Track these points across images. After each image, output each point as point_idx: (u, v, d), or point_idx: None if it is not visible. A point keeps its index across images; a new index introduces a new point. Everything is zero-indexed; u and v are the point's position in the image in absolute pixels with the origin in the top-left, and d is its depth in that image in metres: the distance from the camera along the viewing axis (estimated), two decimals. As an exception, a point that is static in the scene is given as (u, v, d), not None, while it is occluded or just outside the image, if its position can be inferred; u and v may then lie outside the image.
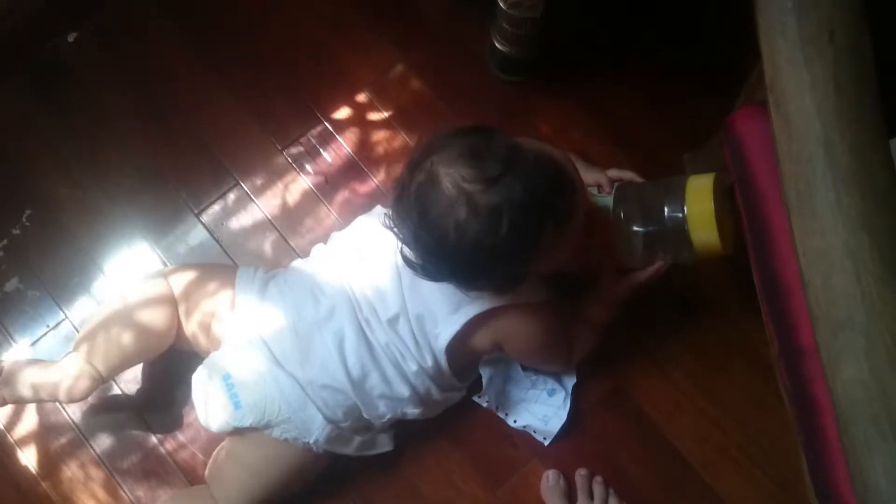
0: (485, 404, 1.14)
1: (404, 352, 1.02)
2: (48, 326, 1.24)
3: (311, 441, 1.03)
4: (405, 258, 0.94)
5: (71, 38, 1.34)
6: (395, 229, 0.92)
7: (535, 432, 1.16)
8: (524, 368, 1.16)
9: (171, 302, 1.09)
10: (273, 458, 1.05)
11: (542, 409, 1.15)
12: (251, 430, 1.03)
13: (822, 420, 0.79)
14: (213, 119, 1.30)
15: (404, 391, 1.04)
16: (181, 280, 1.11)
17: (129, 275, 1.25)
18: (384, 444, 1.11)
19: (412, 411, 1.06)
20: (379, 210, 1.11)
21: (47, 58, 1.34)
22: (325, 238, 1.15)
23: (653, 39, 1.32)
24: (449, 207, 0.84)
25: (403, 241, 0.92)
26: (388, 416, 1.05)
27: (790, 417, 0.92)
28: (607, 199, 1.03)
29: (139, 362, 1.14)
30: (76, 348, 1.07)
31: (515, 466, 1.16)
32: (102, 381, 1.07)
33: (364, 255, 1.05)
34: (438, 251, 0.88)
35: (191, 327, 1.10)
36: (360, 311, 1.02)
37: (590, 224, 0.95)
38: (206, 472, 1.11)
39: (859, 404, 0.61)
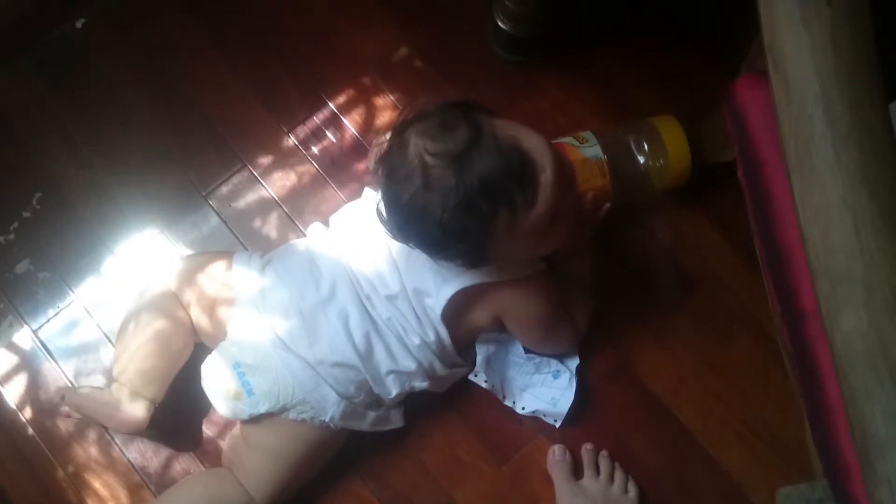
0: (483, 384, 1.14)
1: (406, 326, 1.03)
2: (58, 308, 1.25)
3: (328, 419, 1.04)
4: (379, 218, 0.96)
5: (79, 23, 1.36)
6: (377, 187, 0.95)
7: (544, 416, 1.16)
8: (526, 351, 1.16)
9: (180, 306, 1.11)
10: (292, 439, 1.05)
11: (548, 392, 1.15)
12: (266, 415, 1.04)
13: (823, 381, 0.80)
14: (220, 101, 1.32)
15: (411, 364, 1.05)
16: (180, 276, 1.12)
17: (137, 262, 1.26)
18: (396, 420, 1.12)
19: (420, 384, 1.08)
20: (369, 191, 1.13)
21: (56, 41, 1.35)
22: (331, 218, 1.16)
23: (654, 15, 1.33)
24: (409, 175, 0.88)
25: (380, 214, 0.96)
26: (396, 391, 1.06)
27: (792, 382, 0.93)
28: (596, 150, 1.10)
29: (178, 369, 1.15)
30: (117, 378, 1.10)
31: (521, 441, 1.17)
32: (155, 405, 1.10)
33: (359, 233, 1.07)
34: (395, 214, 0.91)
35: (195, 319, 1.12)
36: (361, 288, 1.04)
37: (569, 214, 0.96)
38: (223, 458, 1.12)
39: (858, 355, 0.62)
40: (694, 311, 1.22)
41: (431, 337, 1.04)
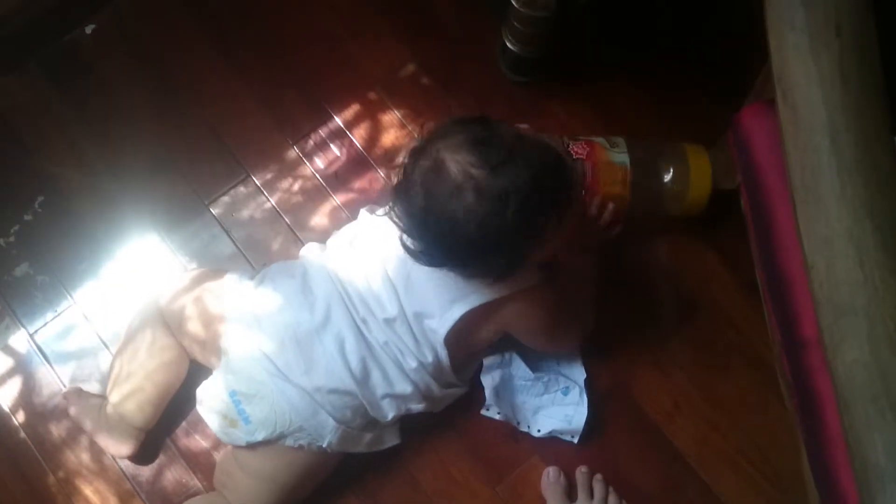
0: (497, 416, 1.14)
1: (403, 349, 1.03)
2: (56, 312, 1.24)
3: (325, 444, 1.03)
4: (405, 247, 0.95)
5: (89, 29, 1.36)
6: (397, 218, 0.93)
7: (561, 435, 1.16)
8: (534, 370, 1.15)
9: (178, 329, 1.11)
10: (287, 464, 1.04)
11: (561, 411, 1.15)
12: (262, 441, 1.03)
13: (822, 410, 0.80)
14: (226, 111, 1.32)
15: (407, 388, 1.04)
16: (176, 293, 1.12)
17: (137, 269, 1.26)
18: (392, 439, 1.11)
19: (416, 406, 1.07)
20: (364, 214, 1.13)
21: (65, 46, 1.36)
22: (332, 231, 1.16)
23: (662, 42, 1.34)
24: (456, 192, 0.86)
25: (404, 229, 0.94)
26: (393, 414, 1.06)
27: (790, 411, 0.93)
28: (624, 157, 1.11)
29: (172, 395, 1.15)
30: (112, 403, 1.11)
31: (516, 462, 1.17)
32: (145, 433, 1.12)
33: (354, 256, 1.06)
34: (444, 236, 0.89)
35: (188, 339, 1.11)
36: (356, 311, 1.03)
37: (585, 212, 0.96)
38: (215, 479, 1.12)
39: (860, 385, 0.62)
40: (693, 338, 1.22)
41: (429, 359, 1.03)
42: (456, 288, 0.99)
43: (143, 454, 1.15)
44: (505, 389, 1.14)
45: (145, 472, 1.17)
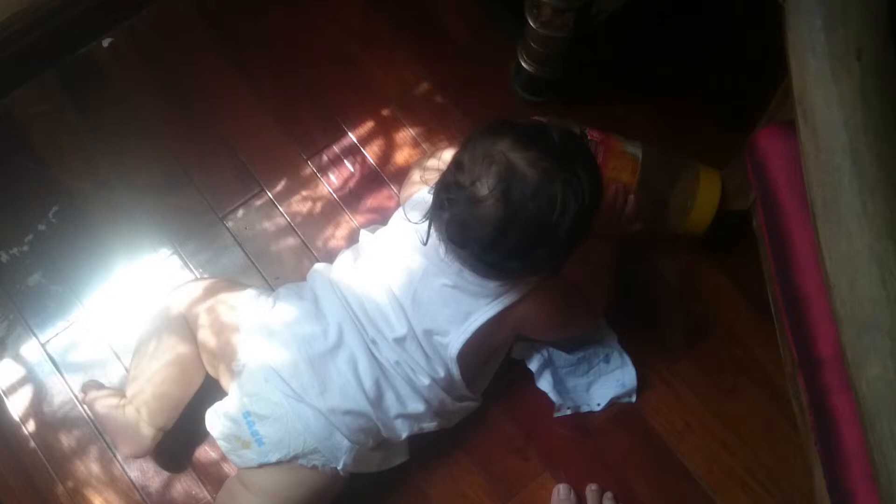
0: (569, 412, 1.17)
1: (415, 367, 1.03)
2: (68, 322, 1.25)
3: (340, 466, 1.03)
4: (474, 259, 0.93)
5: (106, 42, 1.38)
6: (458, 233, 0.91)
7: (620, 399, 1.19)
8: (571, 353, 1.17)
9: (190, 338, 1.11)
10: (296, 484, 1.04)
11: (611, 378, 1.19)
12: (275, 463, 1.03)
13: (839, 430, 0.81)
14: (241, 126, 1.33)
15: (420, 407, 1.04)
16: (193, 300, 1.12)
17: (150, 280, 1.27)
18: (402, 455, 1.12)
19: (429, 425, 1.08)
20: (365, 234, 1.12)
21: (81, 59, 1.37)
22: (344, 246, 1.17)
23: (675, 66, 1.36)
24: (537, 187, 0.86)
25: (477, 244, 0.90)
26: (406, 434, 1.06)
27: (803, 431, 0.94)
28: (636, 150, 1.12)
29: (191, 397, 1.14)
30: (132, 401, 1.10)
31: (526, 479, 1.17)
32: (163, 432, 1.11)
33: (359, 277, 1.06)
34: (537, 234, 0.88)
35: (201, 347, 1.11)
36: (365, 332, 1.03)
37: None
38: (217, 501, 1.10)
39: (884, 401, 0.63)
40: (702, 358, 1.23)
41: (441, 374, 1.03)
42: (467, 301, 1.00)
43: (158, 453, 1.15)
44: (560, 384, 1.17)
45: (155, 482, 1.17)
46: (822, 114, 0.73)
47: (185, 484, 1.17)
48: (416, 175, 1.15)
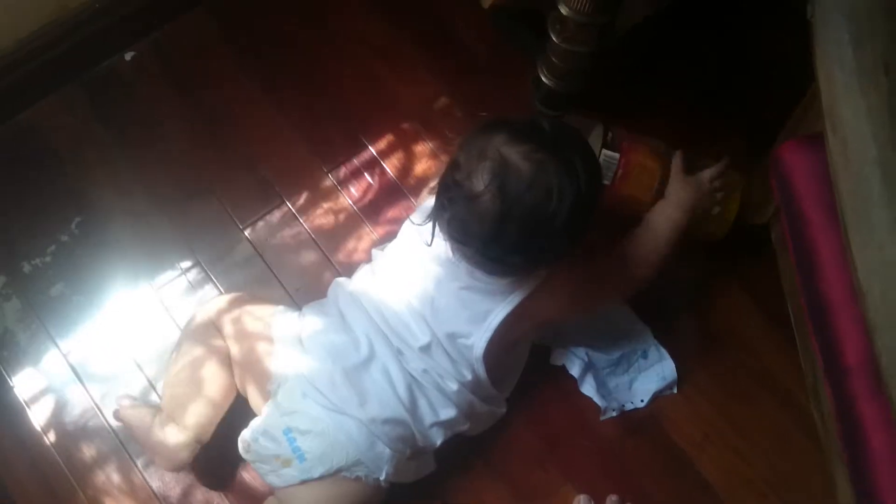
0: (615, 413, 1.19)
1: (443, 374, 1.04)
2: (90, 332, 1.25)
3: (383, 476, 1.03)
4: (477, 256, 0.94)
5: (128, 56, 1.39)
6: (460, 231, 0.93)
7: (662, 392, 1.21)
8: (609, 353, 1.20)
9: (224, 353, 1.12)
10: (342, 495, 1.03)
11: (651, 373, 1.21)
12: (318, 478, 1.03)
13: (867, 437, 0.82)
14: (262, 139, 1.35)
15: (451, 413, 1.05)
16: (223, 315, 1.13)
17: (171, 291, 1.28)
18: (430, 465, 1.12)
19: (461, 427, 1.09)
20: (376, 252, 1.13)
21: (105, 71, 1.39)
22: (365, 258, 1.18)
23: (694, 79, 1.38)
24: (531, 180, 0.88)
25: (478, 240, 0.92)
26: (441, 440, 1.07)
27: (825, 443, 0.95)
28: (661, 149, 1.15)
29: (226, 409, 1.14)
30: (169, 415, 1.10)
31: (548, 490, 1.18)
32: (200, 445, 1.10)
33: (378, 289, 1.07)
34: (536, 226, 0.90)
35: (239, 381, 1.12)
36: (391, 343, 1.04)
37: None
38: None
39: (918, 406, 0.64)
40: (719, 369, 1.24)
41: (468, 377, 1.04)
42: (484, 300, 1.01)
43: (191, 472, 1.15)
44: (602, 385, 1.19)
45: (175, 492, 1.18)
46: (851, 126, 0.75)
47: (205, 494, 1.17)
48: (427, 189, 1.18)
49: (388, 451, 1.02)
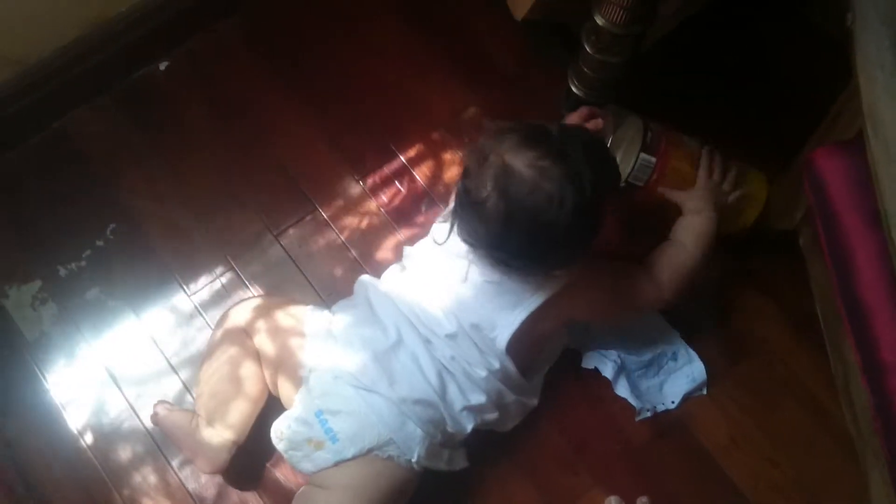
0: (649, 414, 1.21)
1: (471, 360, 1.06)
2: (125, 336, 1.27)
3: (414, 458, 1.05)
4: (488, 258, 0.99)
5: (163, 66, 1.42)
6: (467, 234, 0.98)
7: (692, 394, 1.23)
8: (640, 355, 1.21)
9: (255, 353, 1.14)
10: (376, 474, 1.04)
11: (681, 374, 1.22)
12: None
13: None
14: (294, 147, 1.37)
15: (481, 398, 1.07)
16: (256, 315, 1.15)
17: (205, 296, 1.30)
18: (462, 461, 1.13)
19: (491, 416, 1.10)
20: (407, 249, 1.17)
21: (139, 81, 1.42)
22: (396, 262, 1.20)
23: (723, 88, 1.42)
24: (533, 187, 0.92)
25: (482, 243, 0.98)
26: (471, 426, 1.09)
27: (859, 445, 0.97)
28: (695, 144, 1.19)
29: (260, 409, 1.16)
30: (205, 418, 1.11)
31: (577, 493, 1.19)
32: (237, 446, 1.12)
33: (406, 282, 1.10)
34: (534, 232, 0.94)
35: (270, 379, 1.14)
36: (419, 332, 1.07)
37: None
38: None
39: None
40: (744, 374, 1.25)
41: (496, 365, 1.06)
42: (510, 293, 1.03)
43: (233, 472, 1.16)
44: (635, 387, 1.20)
45: (210, 492, 1.19)
46: (893, 127, 0.77)
47: (240, 495, 1.19)
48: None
49: (419, 431, 1.04)
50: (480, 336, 1.05)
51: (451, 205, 1.10)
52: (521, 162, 0.93)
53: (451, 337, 1.05)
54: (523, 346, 1.07)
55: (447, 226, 1.04)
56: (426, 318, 1.06)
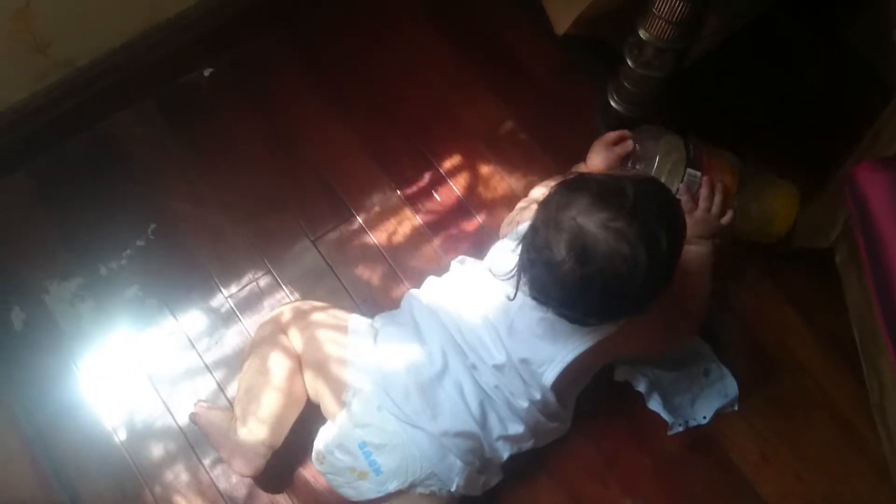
0: (681, 428, 1.21)
1: (514, 391, 1.06)
2: (162, 336, 1.29)
3: (454, 488, 1.06)
4: (565, 316, 0.98)
5: (207, 72, 1.45)
6: (541, 293, 0.96)
7: (724, 409, 1.23)
8: (672, 370, 1.22)
9: (296, 358, 1.15)
10: None
11: (713, 390, 1.23)
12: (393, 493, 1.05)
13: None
14: (334, 155, 1.39)
15: (519, 428, 1.08)
16: (298, 322, 1.16)
17: (242, 299, 1.31)
18: (497, 477, 1.14)
19: (526, 445, 1.11)
20: (456, 265, 1.17)
21: (183, 86, 1.44)
22: (431, 271, 1.22)
23: (759, 106, 1.44)
24: (609, 250, 0.90)
25: (558, 303, 0.96)
26: (508, 454, 1.10)
27: (891, 456, 0.97)
28: (734, 158, 1.20)
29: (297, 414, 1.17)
30: (244, 423, 1.12)
31: (607, 504, 1.20)
32: (274, 450, 1.13)
33: (455, 305, 1.10)
34: (615, 292, 0.92)
35: (310, 386, 1.15)
36: (466, 357, 1.07)
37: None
38: None
39: None
40: (775, 389, 1.27)
41: (538, 397, 1.07)
42: (564, 334, 1.03)
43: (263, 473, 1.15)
44: (667, 402, 1.21)
45: (241, 492, 1.20)
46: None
47: (270, 496, 1.20)
48: (512, 214, 1.25)
49: (459, 463, 1.05)
50: (528, 370, 1.05)
51: (514, 224, 1.14)
52: (594, 224, 0.90)
53: (499, 367, 1.05)
54: (567, 380, 1.07)
55: (506, 258, 1.03)
56: (475, 343, 1.06)
